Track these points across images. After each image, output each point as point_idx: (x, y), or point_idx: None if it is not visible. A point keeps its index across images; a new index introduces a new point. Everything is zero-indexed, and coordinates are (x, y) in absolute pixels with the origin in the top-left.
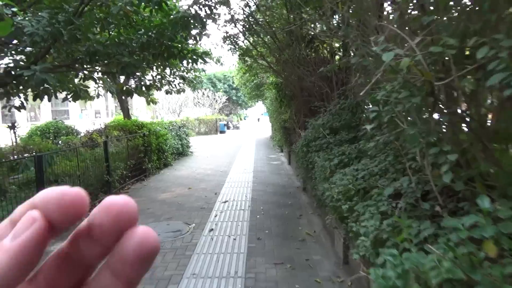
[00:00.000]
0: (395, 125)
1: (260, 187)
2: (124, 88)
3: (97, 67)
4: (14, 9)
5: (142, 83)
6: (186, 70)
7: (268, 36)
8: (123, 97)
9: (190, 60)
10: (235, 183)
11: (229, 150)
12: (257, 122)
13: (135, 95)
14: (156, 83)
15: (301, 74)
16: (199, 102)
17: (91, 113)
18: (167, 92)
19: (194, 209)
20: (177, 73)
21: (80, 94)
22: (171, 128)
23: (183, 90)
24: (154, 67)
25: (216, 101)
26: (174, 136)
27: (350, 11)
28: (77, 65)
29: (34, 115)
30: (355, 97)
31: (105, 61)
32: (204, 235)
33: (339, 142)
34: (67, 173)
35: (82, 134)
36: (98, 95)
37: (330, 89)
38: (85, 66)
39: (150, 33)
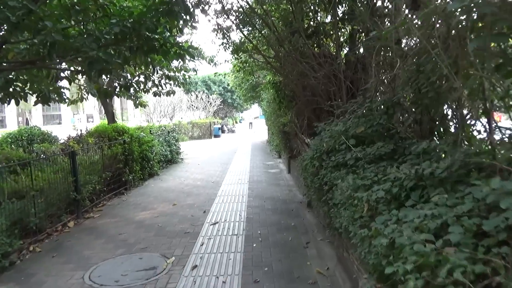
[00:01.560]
0: None
1: (256, 202)
2: (101, 89)
3: (64, 64)
4: None
5: (121, 83)
6: (175, 70)
7: (265, 30)
8: (107, 100)
9: (174, 55)
10: (227, 197)
11: (223, 156)
12: (249, 128)
13: (126, 98)
14: (139, 84)
15: (304, 70)
16: (192, 105)
17: (84, 118)
18: (155, 94)
19: (176, 234)
20: (161, 72)
21: (51, 97)
22: (159, 133)
23: (173, 92)
24: (134, 65)
25: (211, 104)
26: (162, 142)
27: None
28: (38, 62)
29: (22, 120)
30: (383, 94)
31: (71, 56)
32: (185, 276)
33: (373, 157)
34: (18, 192)
35: (61, 141)
36: (81, 98)
37: (338, 87)
38: (47, 62)
39: (125, 23)
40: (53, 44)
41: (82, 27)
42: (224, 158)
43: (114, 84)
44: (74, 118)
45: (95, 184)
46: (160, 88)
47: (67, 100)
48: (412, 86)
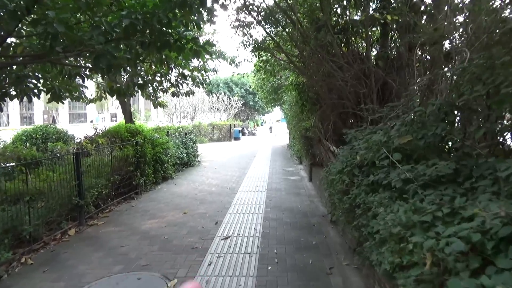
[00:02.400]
0: None
1: (274, 214)
2: (114, 87)
3: (81, 60)
4: None
5: (135, 81)
6: (194, 69)
7: (289, 28)
8: (125, 100)
9: (190, 52)
10: (243, 207)
11: (242, 160)
12: (269, 132)
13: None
14: (153, 82)
15: (331, 70)
16: (213, 107)
17: (108, 117)
18: (173, 94)
19: (182, 249)
20: (176, 71)
21: (62, 94)
22: (175, 135)
23: (192, 93)
24: (150, 62)
25: (232, 106)
26: (178, 144)
27: None
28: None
29: (48, 117)
30: (424, 95)
31: (77, 50)
32: None
33: (429, 180)
34: (11, 197)
35: (78, 140)
36: (100, 97)
37: (369, 89)
38: (53, 56)
39: (135, 15)
40: (55, 36)
41: (90, 19)
42: (242, 162)
43: (128, 82)
44: (98, 117)
45: (102, 188)
46: (177, 88)
47: (85, 99)
48: (485, 85)
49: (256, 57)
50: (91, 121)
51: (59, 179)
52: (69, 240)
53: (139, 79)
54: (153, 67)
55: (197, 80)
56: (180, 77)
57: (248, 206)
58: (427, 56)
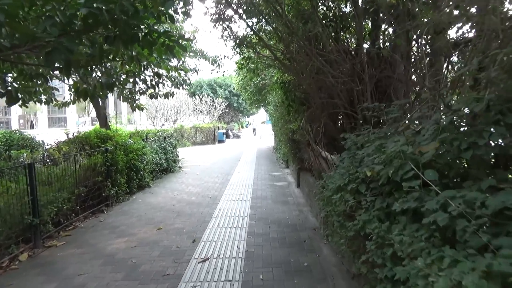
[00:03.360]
0: None
1: (259, 228)
2: (80, 88)
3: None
4: None
5: (102, 80)
6: (170, 68)
7: (274, 24)
8: (99, 103)
9: (162, 48)
10: (225, 220)
11: (225, 164)
12: (253, 134)
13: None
14: (125, 82)
15: (320, 66)
16: (196, 109)
17: (89, 120)
18: (151, 96)
19: (151, 277)
20: (150, 70)
21: (20, 97)
22: (154, 139)
23: (172, 94)
24: (122, 61)
25: (216, 108)
26: (157, 150)
27: None
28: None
29: (24, 122)
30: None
31: (28, 45)
32: None
33: (490, 214)
34: None
35: (48, 147)
36: (74, 100)
37: (363, 86)
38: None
39: (96, 4)
40: None
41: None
42: (226, 167)
43: (94, 82)
44: (79, 121)
45: (63, 203)
46: (154, 89)
47: (57, 102)
48: None
49: (237, 53)
50: (78, 125)
51: (8, 195)
52: (18, 268)
53: (112, 79)
54: (127, 66)
55: (176, 80)
56: (155, 77)
57: (230, 218)
58: (428, 47)
